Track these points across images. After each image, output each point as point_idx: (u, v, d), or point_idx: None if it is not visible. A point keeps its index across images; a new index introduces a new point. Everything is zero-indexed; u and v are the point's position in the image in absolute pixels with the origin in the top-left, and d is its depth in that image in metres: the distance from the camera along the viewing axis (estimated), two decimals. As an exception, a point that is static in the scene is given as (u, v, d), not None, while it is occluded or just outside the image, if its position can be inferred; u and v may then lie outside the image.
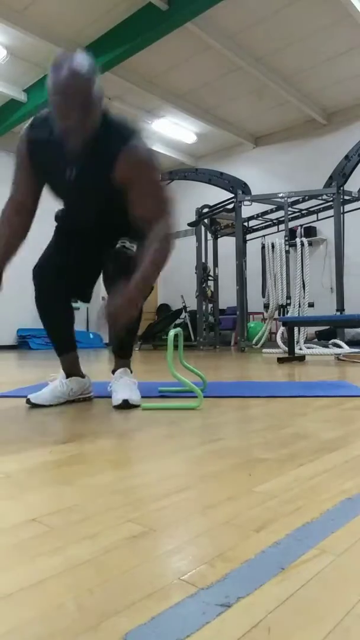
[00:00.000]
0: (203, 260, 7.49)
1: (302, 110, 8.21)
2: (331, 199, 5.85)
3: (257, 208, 6.98)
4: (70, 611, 0.46)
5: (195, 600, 0.47)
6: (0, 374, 3.42)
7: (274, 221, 6.96)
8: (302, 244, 5.61)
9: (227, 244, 7.50)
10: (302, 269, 5.59)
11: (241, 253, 6.23)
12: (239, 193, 6.24)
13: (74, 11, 5.78)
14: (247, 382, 2.52)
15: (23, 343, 9.00)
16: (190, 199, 8.94)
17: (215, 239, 7.77)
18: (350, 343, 5.67)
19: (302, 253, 5.59)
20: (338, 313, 5.57)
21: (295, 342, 4.83)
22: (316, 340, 6.16)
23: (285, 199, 5.93)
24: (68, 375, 1.86)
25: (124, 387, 1.78)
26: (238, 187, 6.35)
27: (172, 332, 1.73)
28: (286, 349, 4.73)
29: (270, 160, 9.24)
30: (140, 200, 1.60)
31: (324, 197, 6.01)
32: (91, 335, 9.46)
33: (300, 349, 5.03)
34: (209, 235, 7.74)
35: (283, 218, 5.97)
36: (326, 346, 5.33)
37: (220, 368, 3.56)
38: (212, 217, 7.51)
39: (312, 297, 5.77)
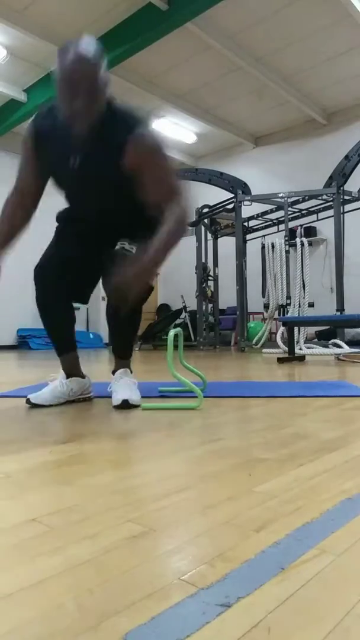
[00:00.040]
0: (203, 260, 7.49)
1: (302, 110, 8.21)
2: (331, 199, 5.85)
3: (257, 208, 6.98)
4: (70, 611, 0.46)
5: (195, 600, 0.47)
6: (0, 374, 3.42)
7: (274, 221, 6.96)
8: (302, 244, 5.61)
9: (227, 244, 7.50)
10: (302, 269, 5.59)
11: (241, 253, 6.23)
12: (239, 193, 6.24)
13: (74, 11, 5.78)
14: (247, 382, 2.52)
15: (23, 343, 9.00)
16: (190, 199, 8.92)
17: (215, 239, 7.77)
18: (350, 343, 5.67)
19: (302, 253, 5.59)
20: (338, 313, 5.57)
21: (295, 342, 4.83)
22: (316, 340, 6.16)
23: (285, 199, 5.93)
24: (68, 376, 1.86)
25: (124, 387, 1.78)
26: (238, 187, 6.35)
27: (172, 332, 1.73)
28: (286, 349, 4.73)
29: (270, 160, 9.24)
30: (153, 186, 1.61)
31: (324, 197, 6.01)
32: (91, 335, 9.46)
33: (300, 349, 5.02)
34: (209, 235, 7.74)
35: (283, 218, 5.97)
36: (326, 346, 5.33)
37: (220, 368, 3.56)
38: (212, 217, 7.51)
39: (312, 297, 5.77)
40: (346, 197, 5.94)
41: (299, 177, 8.42)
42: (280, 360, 4.07)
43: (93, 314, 9.45)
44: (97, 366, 3.95)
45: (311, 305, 5.64)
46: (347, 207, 6.03)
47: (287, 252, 5.70)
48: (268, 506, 0.72)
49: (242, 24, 6.09)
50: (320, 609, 0.46)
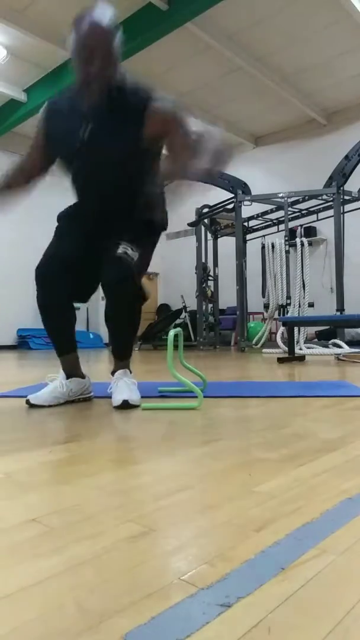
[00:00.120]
0: (203, 260, 7.49)
1: (302, 110, 8.22)
2: (331, 199, 5.85)
3: (257, 208, 6.98)
4: (70, 611, 0.46)
5: (195, 600, 0.47)
6: (0, 374, 3.42)
7: (274, 221, 6.96)
8: (302, 244, 5.61)
9: (227, 244, 7.50)
10: (302, 269, 5.59)
11: (241, 253, 6.23)
12: (239, 193, 6.24)
13: (74, 11, 5.75)
14: (247, 382, 2.52)
15: (23, 343, 9.00)
16: (190, 199, 8.93)
17: (215, 239, 7.77)
18: (350, 343, 5.67)
19: (302, 253, 5.59)
20: (338, 313, 5.57)
21: (295, 342, 4.83)
22: (316, 340, 6.16)
23: (285, 199, 5.93)
24: (68, 376, 1.86)
25: (123, 387, 1.77)
26: (238, 187, 6.35)
27: (172, 332, 1.73)
28: (286, 349, 4.73)
29: (270, 160, 9.25)
30: (179, 149, 1.64)
31: (324, 197, 6.01)
32: (91, 335, 9.46)
33: (300, 349, 5.02)
34: (209, 235, 7.74)
35: (283, 218, 5.97)
36: (326, 346, 5.33)
37: (220, 368, 3.56)
38: (212, 217, 7.51)
39: (312, 297, 5.77)
40: (346, 197, 5.94)
41: (299, 177, 8.42)
42: (280, 360, 4.07)
43: (93, 314, 9.45)
44: (97, 366, 3.95)
45: (311, 305, 5.64)
46: (347, 207, 6.03)
47: (287, 252, 5.70)
48: (268, 506, 0.72)
49: (242, 24, 6.09)
50: (320, 609, 0.46)
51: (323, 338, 6.12)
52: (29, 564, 0.56)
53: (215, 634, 0.42)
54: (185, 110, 1.66)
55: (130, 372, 1.88)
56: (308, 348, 5.14)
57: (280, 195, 5.99)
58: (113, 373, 1.87)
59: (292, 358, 4.23)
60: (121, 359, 1.88)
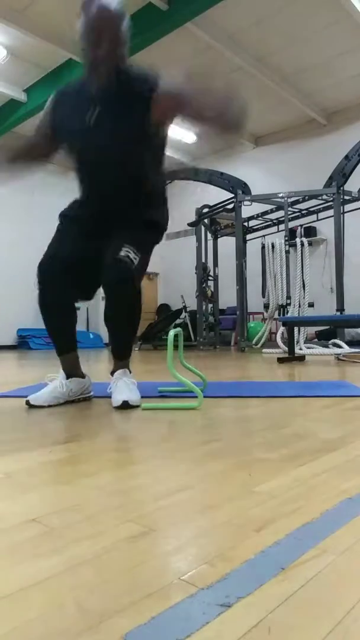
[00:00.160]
0: (203, 260, 7.49)
1: (302, 110, 8.21)
2: (331, 199, 5.85)
3: (257, 208, 6.98)
4: (70, 611, 0.46)
5: (195, 600, 0.47)
6: (0, 374, 3.42)
7: (274, 221, 6.96)
8: (302, 244, 5.61)
9: (227, 244, 7.50)
10: (302, 269, 5.59)
11: (241, 253, 6.23)
12: (239, 193, 6.24)
13: (74, 11, 5.77)
14: (247, 382, 2.52)
15: (23, 343, 9.00)
16: (190, 199, 8.94)
17: (215, 239, 7.77)
18: (350, 343, 5.67)
19: (302, 253, 5.59)
20: (338, 313, 5.57)
21: (295, 342, 4.83)
22: (316, 340, 6.16)
23: (285, 199, 5.93)
24: (68, 376, 1.86)
25: (123, 388, 1.77)
26: (238, 187, 6.35)
27: (172, 332, 1.73)
28: (286, 349, 4.73)
29: (270, 160, 9.25)
30: (200, 111, 1.65)
31: (324, 197, 6.01)
32: (91, 335, 9.46)
33: (300, 349, 5.02)
34: (209, 235, 7.74)
35: (283, 218, 5.97)
36: (326, 346, 5.33)
37: (220, 368, 3.56)
38: (212, 217, 7.51)
39: (312, 297, 5.77)
40: (346, 197, 5.94)
41: (299, 177, 8.42)
42: (280, 360, 4.07)
43: (93, 314, 9.45)
44: (97, 366, 3.95)
45: (311, 305, 5.64)
46: (347, 207, 6.03)
47: (287, 252, 5.70)
48: (268, 506, 0.72)
49: (242, 24, 6.09)
50: (320, 609, 0.46)
51: (323, 338, 6.12)
52: (29, 564, 0.56)
53: (215, 634, 0.42)
54: (194, 89, 1.68)
55: (130, 372, 1.88)
56: (308, 348, 5.14)
57: (280, 195, 5.99)
58: (112, 373, 1.87)
59: (292, 358, 4.23)
60: (121, 359, 1.88)
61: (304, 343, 5.26)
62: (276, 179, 8.90)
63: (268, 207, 6.94)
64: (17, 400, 1.92)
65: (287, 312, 5.60)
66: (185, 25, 5.82)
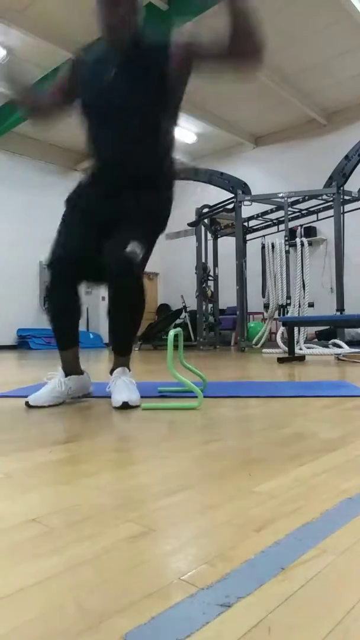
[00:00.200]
0: (203, 260, 7.49)
1: (302, 110, 8.21)
2: (331, 199, 5.85)
3: (257, 208, 6.98)
4: (70, 611, 0.46)
5: (195, 600, 0.47)
6: (0, 374, 3.42)
7: (274, 221, 6.96)
8: (302, 244, 5.61)
9: (227, 244, 7.50)
10: (302, 269, 5.59)
11: (241, 253, 6.23)
12: (239, 193, 6.24)
13: (74, 11, 5.77)
14: (247, 382, 2.52)
15: (23, 343, 9.00)
16: (190, 199, 8.94)
17: (215, 239, 7.77)
18: (350, 343, 5.67)
19: (302, 253, 5.59)
20: (338, 313, 5.57)
21: (295, 342, 4.83)
22: (316, 340, 6.16)
23: (285, 199, 5.93)
24: (67, 374, 1.86)
25: (123, 388, 1.77)
26: (238, 187, 6.35)
27: (172, 332, 1.73)
28: (286, 349, 4.73)
29: (270, 160, 9.25)
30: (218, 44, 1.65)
31: (324, 197, 6.01)
32: (91, 335, 9.46)
33: (300, 349, 5.02)
34: (209, 235, 7.74)
35: (283, 218, 5.97)
36: (326, 346, 5.33)
37: (220, 368, 3.56)
38: (212, 217, 7.51)
39: (312, 297, 5.77)
40: (346, 197, 5.94)
41: (299, 177, 8.42)
42: (280, 360, 4.07)
43: (93, 314, 9.45)
44: (97, 366, 3.95)
45: (311, 305, 5.64)
46: (347, 207, 6.03)
47: (287, 252, 5.70)
48: (268, 506, 0.72)
49: (242, 24, 6.08)
50: (320, 609, 0.46)
51: (323, 338, 6.12)
52: (29, 564, 0.56)
53: (215, 634, 0.42)
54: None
55: (130, 371, 1.88)
56: (308, 348, 5.14)
57: (280, 195, 5.99)
58: (112, 371, 1.86)
59: (292, 358, 4.23)
60: (121, 355, 1.87)
61: (304, 343, 5.26)
62: (276, 179, 8.90)
63: (268, 207, 6.94)
64: (17, 400, 1.92)
65: (287, 312, 5.60)
66: (185, 26, 5.82)
